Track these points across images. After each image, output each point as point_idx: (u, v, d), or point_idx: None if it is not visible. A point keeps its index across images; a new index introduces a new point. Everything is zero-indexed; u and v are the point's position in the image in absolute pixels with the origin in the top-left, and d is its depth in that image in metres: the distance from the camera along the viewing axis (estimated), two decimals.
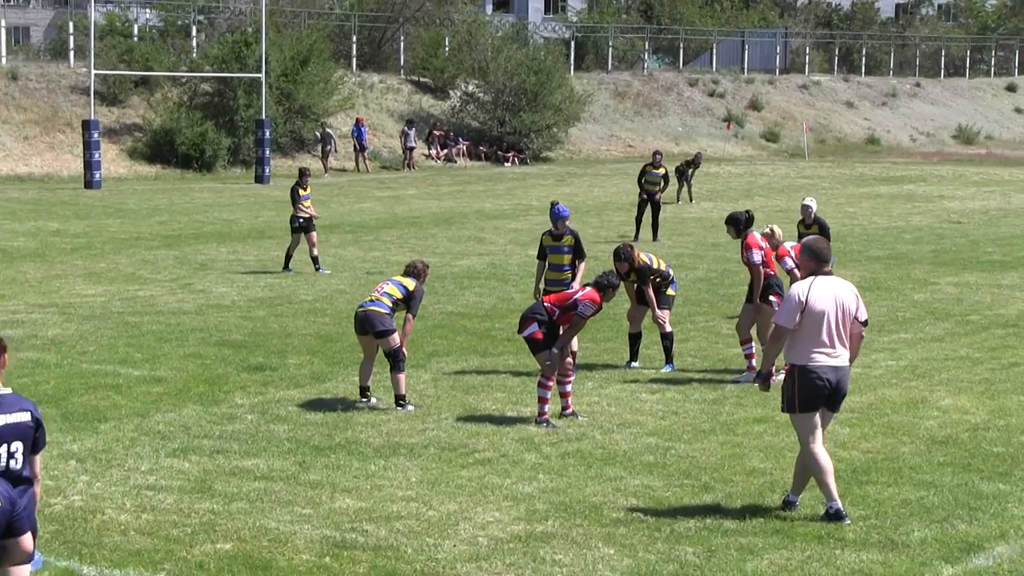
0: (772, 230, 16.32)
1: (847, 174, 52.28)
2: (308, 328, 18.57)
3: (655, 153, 31.26)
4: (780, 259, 16.13)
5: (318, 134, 50.93)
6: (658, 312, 15.92)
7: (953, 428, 13.17)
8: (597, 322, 16.68)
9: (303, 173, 24.85)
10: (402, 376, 13.84)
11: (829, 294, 10.14)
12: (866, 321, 10.36)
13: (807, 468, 10.30)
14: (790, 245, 16.23)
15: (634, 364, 16.18)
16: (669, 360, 16.13)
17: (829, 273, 10.32)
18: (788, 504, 10.46)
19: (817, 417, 10.21)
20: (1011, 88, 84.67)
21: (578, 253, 16.10)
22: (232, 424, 13.14)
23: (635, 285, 16.02)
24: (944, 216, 35.88)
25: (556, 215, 16.09)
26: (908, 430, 13.05)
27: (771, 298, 15.49)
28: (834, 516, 10.14)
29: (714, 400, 14.41)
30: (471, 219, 34.22)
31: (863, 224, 32.84)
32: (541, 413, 13.22)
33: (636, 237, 29.39)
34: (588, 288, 13.61)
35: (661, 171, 30.19)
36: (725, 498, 10.79)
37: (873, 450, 12.19)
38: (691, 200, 39.12)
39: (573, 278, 15.85)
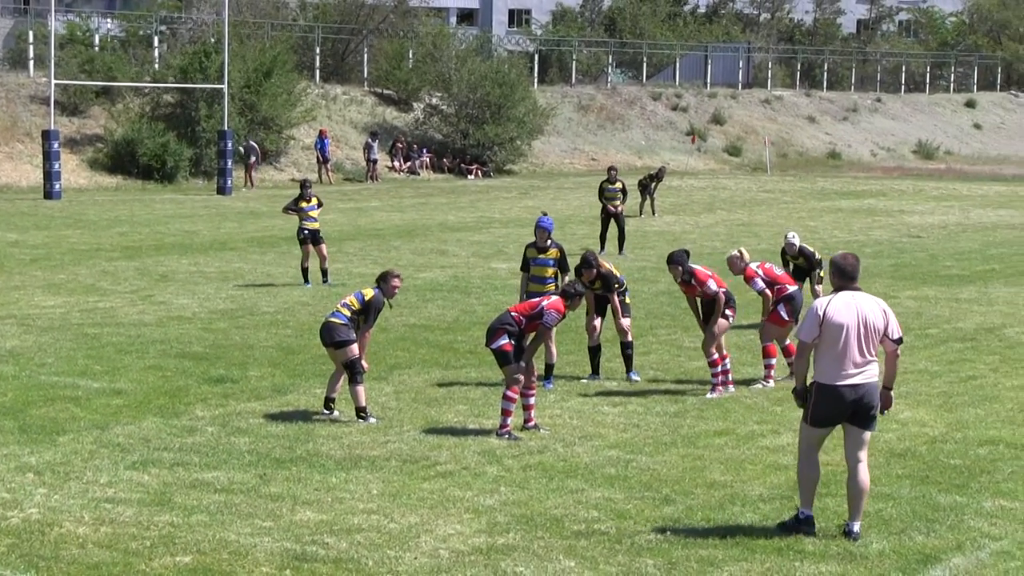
0: (740, 252, 16.35)
1: (808, 188, 52.58)
2: (270, 340, 18.53)
3: (610, 168, 31.90)
4: (749, 280, 16.11)
5: (241, 148, 49.46)
6: (622, 320, 15.97)
7: (911, 441, 13.27)
8: (559, 334, 16.71)
9: (304, 184, 24.86)
10: (361, 388, 13.82)
11: (851, 308, 9.96)
12: (900, 339, 10.19)
13: (799, 476, 10.27)
14: (755, 265, 16.27)
15: (597, 377, 16.21)
16: (631, 368, 16.19)
17: (856, 289, 10.12)
18: (848, 534, 10.13)
19: (822, 435, 10.15)
20: (970, 104, 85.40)
21: (562, 267, 16.20)
22: (192, 436, 13.10)
23: (596, 295, 16.04)
24: (904, 230, 36.14)
25: (539, 226, 16.21)
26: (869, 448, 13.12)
27: (727, 312, 15.50)
28: (803, 522, 10.17)
29: (675, 413, 14.46)
30: (434, 231, 34.24)
31: (824, 238, 33.03)
32: (503, 425, 13.24)
33: (601, 250, 29.63)
34: (554, 297, 13.68)
35: (618, 185, 30.80)
36: (686, 510, 10.83)
37: (832, 463, 12.23)
38: (654, 214, 39.26)
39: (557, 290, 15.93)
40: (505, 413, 13.25)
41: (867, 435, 10.15)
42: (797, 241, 20.39)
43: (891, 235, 34.87)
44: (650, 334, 19.35)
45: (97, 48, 54.14)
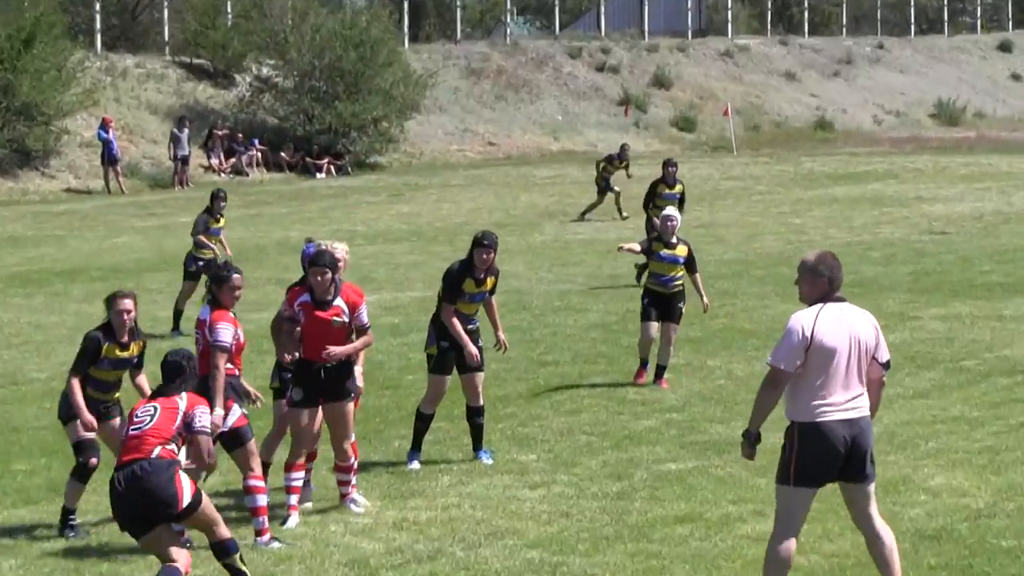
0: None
1: (790, 172, 53.06)
2: (41, 419, 18.28)
3: (667, 164, 29.98)
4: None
5: None
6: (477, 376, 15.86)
7: (947, 517, 13.34)
8: (454, 392, 16.54)
9: (215, 196, 25.09)
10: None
11: (843, 327, 10.36)
12: (888, 363, 10.63)
13: (769, 560, 10.55)
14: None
15: (417, 457, 15.82)
16: (480, 445, 15.93)
17: (841, 299, 10.47)
18: None
19: (810, 498, 10.47)
20: (1005, 47, 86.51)
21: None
22: None
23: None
24: (924, 225, 36.53)
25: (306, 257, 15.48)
26: (887, 522, 13.18)
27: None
28: None
29: (619, 494, 14.43)
30: (270, 254, 33.98)
31: (815, 239, 33.29)
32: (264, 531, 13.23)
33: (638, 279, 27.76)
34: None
35: (678, 189, 29.31)
36: None
37: (840, 553, 12.28)
38: (621, 213, 38.32)
39: None
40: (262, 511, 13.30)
41: (870, 488, 10.55)
42: (679, 221, 19.58)
43: (906, 232, 35.24)
44: (581, 384, 19.34)
45: None
